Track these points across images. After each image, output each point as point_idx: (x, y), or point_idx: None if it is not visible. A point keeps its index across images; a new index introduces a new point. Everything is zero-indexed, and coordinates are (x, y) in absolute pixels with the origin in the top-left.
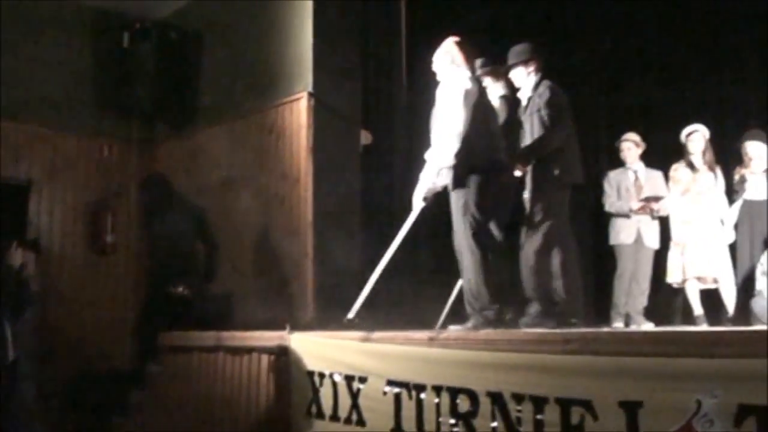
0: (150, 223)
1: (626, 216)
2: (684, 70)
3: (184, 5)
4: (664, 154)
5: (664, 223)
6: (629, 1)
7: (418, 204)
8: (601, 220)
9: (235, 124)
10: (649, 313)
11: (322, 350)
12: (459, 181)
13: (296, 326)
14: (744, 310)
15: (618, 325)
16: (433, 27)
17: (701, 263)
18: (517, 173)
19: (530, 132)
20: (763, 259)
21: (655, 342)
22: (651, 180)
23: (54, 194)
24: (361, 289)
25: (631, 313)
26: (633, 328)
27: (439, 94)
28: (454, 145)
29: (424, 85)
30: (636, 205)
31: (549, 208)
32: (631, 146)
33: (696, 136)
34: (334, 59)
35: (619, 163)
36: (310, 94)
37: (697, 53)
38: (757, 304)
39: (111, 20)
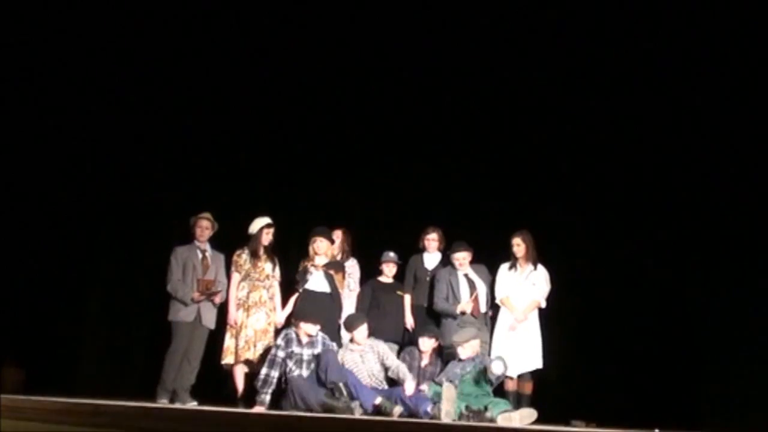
0: None
1: (184, 303)
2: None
3: None
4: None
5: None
6: None
7: None
8: (161, 296)
9: None
10: (195, 392)
11: None
12: None
13: None
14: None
15: (163, 401)
16: None
17: (253, 347)
18: None
19: None
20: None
21: (185, 420)
22: (216, 261)
23: None
24: None
25: (177, 390)
26: (176, 405)
27: None
28: None
29: None
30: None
31: None
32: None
33: (267, 230)
34: None
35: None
36: None
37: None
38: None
39: None
